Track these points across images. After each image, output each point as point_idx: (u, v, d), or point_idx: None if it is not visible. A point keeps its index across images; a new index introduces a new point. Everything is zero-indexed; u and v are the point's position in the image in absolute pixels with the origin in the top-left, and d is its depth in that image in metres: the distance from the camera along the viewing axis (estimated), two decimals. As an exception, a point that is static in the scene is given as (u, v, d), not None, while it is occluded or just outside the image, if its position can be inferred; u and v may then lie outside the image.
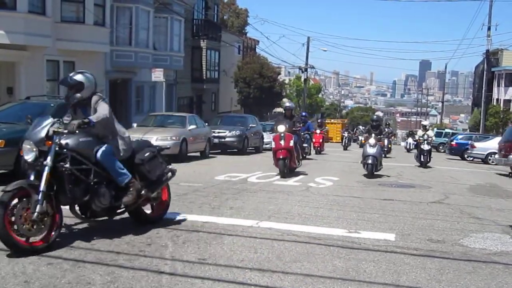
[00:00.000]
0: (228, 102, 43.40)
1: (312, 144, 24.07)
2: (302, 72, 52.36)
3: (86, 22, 21.53)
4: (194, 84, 36.92)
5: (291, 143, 13.12)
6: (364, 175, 14.01)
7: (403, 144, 69.17)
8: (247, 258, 5.26)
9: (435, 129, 44.62)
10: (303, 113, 24.54)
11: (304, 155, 19.89)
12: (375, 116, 17.16)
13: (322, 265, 5.12)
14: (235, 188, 10.60)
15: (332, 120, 58.69)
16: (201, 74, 37.42)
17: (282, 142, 13.08)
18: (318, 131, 25.60)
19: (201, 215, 7.42)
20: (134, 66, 26.54)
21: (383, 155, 16.43)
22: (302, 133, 19.80)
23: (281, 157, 13.04)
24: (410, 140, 36.52)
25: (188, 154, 18.23)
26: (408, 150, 35.46)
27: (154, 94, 29.62)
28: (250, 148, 23.58)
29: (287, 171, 13.11)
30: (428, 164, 19.49)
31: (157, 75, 25.89)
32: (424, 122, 22.30)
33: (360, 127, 22.30)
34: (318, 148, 25.45)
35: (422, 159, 19.40)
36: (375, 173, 14.25)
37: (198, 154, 19.46)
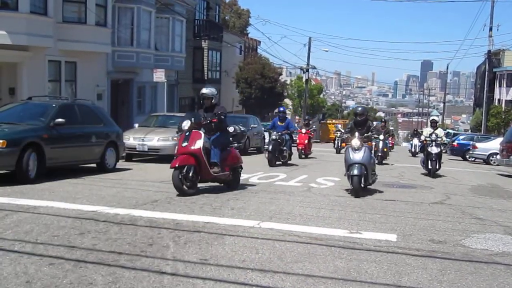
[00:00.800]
0: (229, 102, 43.41)
1: (297, 146, 21.40)
2: (304, 72, 52.35)
3: (87, 22, 21.54)
4: (195, 85, 36.91)
5: (198, 145, 9.41)
6: (350, 192, 10.50)
7: (404, 144, 69.05)
8: (248, 258, 5.26)
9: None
10: (281, 108, 19.36)
11: (283, 160, 17.14)
12: (359, 109, 12.00)
13: (323, 266, 5.12)
14: (236, 188, 10.60)
15: (334, 121, 58.66)
16: (203, 74, 37.45)
17: (184, 144, 9.50)
18: (303, 130, 22.08)
19: (203, 215, 7.43)
20: (135, 66, 26.55)
21: (376, 161, 12.19)
22: (279, 133, 17.13)
23: (176, 165, 9.16)
24: (415, 141, 30.26)
25: (190, 155, 18.22)
26: (414, 154, 30.31)
27: (156, 95, 29.64)
28: (251, 149, 23.59)
29: (190, 187, 9.32)
30: (438, 172, 15.79)
31: (159, 75, 25.90)
32: (435, 117, 18.55)
33: (339, 126, 18.31)
34: (303, 151, 21.61)
35: (429, 166, 15.54)
36: (368, 187, 10.92)
37: (199, 154, 19.44)
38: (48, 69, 20.39)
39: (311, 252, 5.63)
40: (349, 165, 10.37)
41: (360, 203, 9.32)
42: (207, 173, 9.61)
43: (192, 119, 9.89)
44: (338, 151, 27.84)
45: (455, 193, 11.64)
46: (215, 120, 10.00)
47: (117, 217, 7.01)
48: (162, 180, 11.72)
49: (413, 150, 31.26)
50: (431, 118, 17.99)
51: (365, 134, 10.96)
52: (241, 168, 10.94)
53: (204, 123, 9.97)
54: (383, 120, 24.59)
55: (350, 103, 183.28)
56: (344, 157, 10.80)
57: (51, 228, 6.20)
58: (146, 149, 16.86)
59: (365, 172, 10.26)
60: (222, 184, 10.46)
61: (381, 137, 19.75)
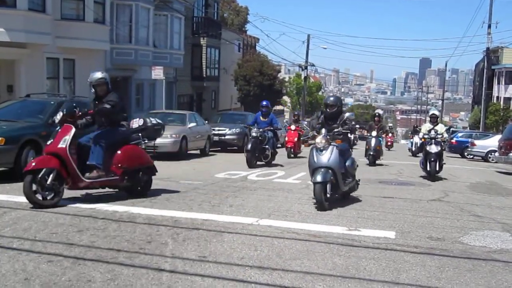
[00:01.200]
0: (228, 100, 43.38)
1: (285, 144, 19.74)
2: (302, 70, 52.32)
3: (86, 19, 21.53)
4: (194, 82, 36.91)
5: (63, 142, 7.48)
6: (315, 204, 8.26)
7: (403, 142, 68.94)
8: (247, 255, 5.26)
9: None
10: (264, 102, 16.47)
11: (265, 161, 15.27)
12: (331, 99, 9.48)
13: (322, 263, 5.12)
14: (235, 186, 10.60)
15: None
16: (201, 72, 37.41)
17: (49, 142, 7.68)
18: (293, 127, 19.95)
19: (201, 212, 7.42)
20: (134, 64, 26.54)
21: (356, 164, 9.32)
22: (261, 130, 15.35)
23: (31, 166, 7.26)
24: (416, 139, 26.81)
25: (188, 152, 18.26)
26: (414, 154, 27.21)
27: (154, 92, 29.61)
28: (250, 146, 23.57)
29: (51, 197, 7.33)
30: (439, 174, 13.90)
31: (157, 73, 25.89)
32: (435, 111, 15.87)
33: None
34: (292, 150, 19.29)
35: (429, 167, 13.56)
36: (352, 194, 9.29)
37: (198, 151, 19.49)
38: (46, 67, 20.38)
39: (309, 249, 5.63)
40: (313, 170, 8.33)
41: (358, 200, 9.32)
42: (77, 178, 7.61)
43: (64, 110, 7.90)
44: None
45: (453, 190, 11.64)
46: (91, 112, 8.21)
47: (115, 215, 7.01)
48: (160, 177, 11.70)
49: (413, 149, 28.18)
50: (431, 112, 15.55)
51: (335, 130, 8.79)
52: (152, 170, 8.89)
53: (78, 115, 7.93)
54: (377, 114, 20.63)
55: (349, 101, 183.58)
56: (308, 161, 8.69)
57: (49, 225, 6.20)
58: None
59: (333, 178, 8.18)
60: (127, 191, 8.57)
61: (374, 133, 18.26)
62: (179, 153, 17.29)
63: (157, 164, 15.20)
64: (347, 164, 8.75)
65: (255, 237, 6.06)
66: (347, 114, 9.17)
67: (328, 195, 8.06)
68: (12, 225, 6.13)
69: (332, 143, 8.44)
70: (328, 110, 9.24)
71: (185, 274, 4.59)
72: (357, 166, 9.38)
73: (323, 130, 8.70)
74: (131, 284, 4.26)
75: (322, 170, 8.11)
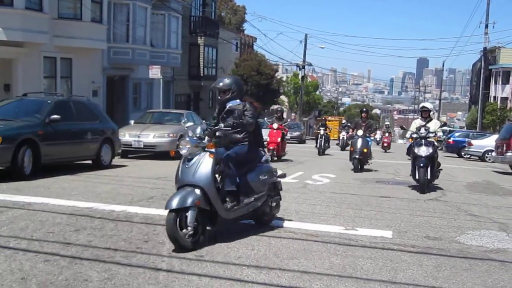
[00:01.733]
0: (225, 99, 43.33)
1: (267, 145, 16.50)
2: (300, 69, 52.29)
3: (83, 18, 21.48)
4: (191, 81, 36.88)
5: None
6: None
7: (400, 141, 68.90)
8: (244, 255, 5.26)
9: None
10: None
11: None
12: (225, 80, 6.63)
13: (319, 262, 5.13)
14: (232, 185, 10.55)
15: (330, 118, 58.74)
16: (199, 71, 37.38)
17: None
18: (275, 125, 17.47)
19: (199, 212, 7.40)
20: (131, 63, 26.48)
21: (272, 175, 6.65)
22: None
23: None
24: None
25: (186, 151, 18.21)
26: None
27: (152, 91, 29.59)
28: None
29: None
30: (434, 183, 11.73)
31: (154, 72, 25.85)
32: (427, 104, 12.99)
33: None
34: (275, 152, 16.80)
35: (418, 175, 10.84)
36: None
37: (195, 151, 19.43)
38: (43, 65, 20.33)
39: (306, 248, 5.64)
40: (177, 189, 5.65)
41: (355, 199, 9.34)
42: None
43: None
44: (321, 153, 22.69)
45: (450, 190, 11.66)
46: None
47: (112, 214, 7.00)
48: (157, 176, 11.71)
49: None
50: (422, 105, 12.76)
51: (215, 127, 6.18)
52: None
53: None
54: (364, 109, 16.97)
55: (346, 100, 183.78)
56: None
57: (46, 224, 6.19)
58: (142, 146, 16.86)
59: (202, 201, 5.46)
60: None
61: (360, 132, 15.20)
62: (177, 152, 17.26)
63: (154, 163, 15.26)
64: (248, 177, 6.16)
65: (252, 236, 6.06)
66: (230, 103, 6.04)
67: (189, 228, 5.29)
68: (9, 224, 6.12)
69: (207, 150, 5.74)
70: (220, 97, 6.49)
71: (182, 273, 4.59)
72: (279, 177, 6.81)
73: (198, 128, 5.98)
74: (128, 284, 4.26)
75: (188, 189, 5.46)
